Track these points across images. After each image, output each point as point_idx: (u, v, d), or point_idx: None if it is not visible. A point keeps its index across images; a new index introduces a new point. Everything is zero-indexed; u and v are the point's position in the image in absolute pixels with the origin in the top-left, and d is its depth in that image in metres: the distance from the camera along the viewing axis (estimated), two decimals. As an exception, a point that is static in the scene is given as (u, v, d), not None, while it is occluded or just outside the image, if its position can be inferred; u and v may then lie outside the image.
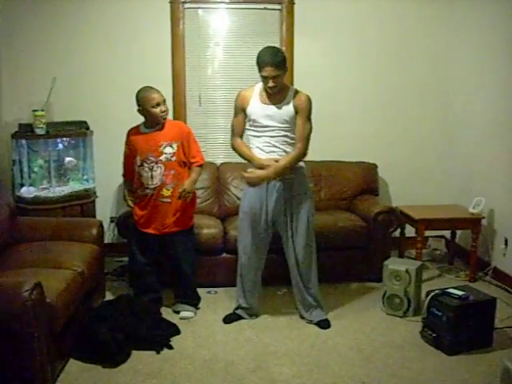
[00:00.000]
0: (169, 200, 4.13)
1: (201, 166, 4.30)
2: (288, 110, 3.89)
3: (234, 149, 4.07)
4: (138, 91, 4.09)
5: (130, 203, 4.25)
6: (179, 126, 4.35)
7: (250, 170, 3.92)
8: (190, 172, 4.23)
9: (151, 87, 4.09)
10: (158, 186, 4.09)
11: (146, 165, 4.08)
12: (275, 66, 3.75)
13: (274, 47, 3.96)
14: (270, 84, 3.79)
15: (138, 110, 4.08)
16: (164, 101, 4.11)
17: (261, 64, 3.79)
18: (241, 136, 4.06)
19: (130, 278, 4.64)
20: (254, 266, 4.12)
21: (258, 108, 3.92)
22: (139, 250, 4.27)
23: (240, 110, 4.01)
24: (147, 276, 4.32)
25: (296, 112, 3.89)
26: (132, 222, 4.29)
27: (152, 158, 4.07)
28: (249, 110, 3.96)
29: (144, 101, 4.04)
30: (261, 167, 3.86)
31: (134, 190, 4.24)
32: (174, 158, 4.11)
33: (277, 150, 3.92)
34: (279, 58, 3.78)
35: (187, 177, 4.19)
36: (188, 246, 4.30)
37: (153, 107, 4.02)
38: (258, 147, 3.96)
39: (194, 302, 4.38)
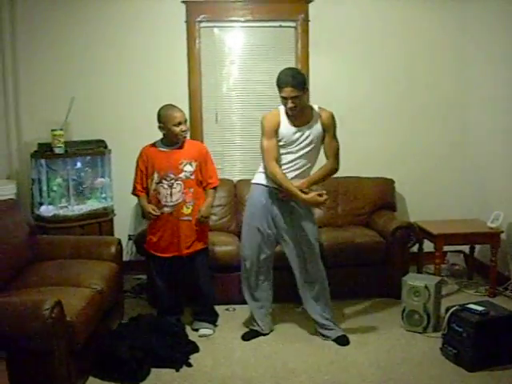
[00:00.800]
0: (189, 218, 4.14)
1: (215, 188, 4.33)
2: (317, 129, 3.92)
3: (274, 176, 3.92)
4: (161, 108, 4.13)
5: (152, 211, 4.11)
6: (198, 146, 4.39)
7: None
8: (206, 195, 4.25)
9: (174, 105, 4.13)
10: (179, 203, 4.10)
11: (165, 182, 4.09)
12: (294, 87, 3.74)
13: (294, 68, 4.00)
14: (290, 105, 3.79)
15: (159, 127, 4.11)
16: (186, 120, 4.15)
17: (280, 85, 3.80)
18: (277, 160, 3.97)
19: (152, 298, 4.65)
20: (264, 278, 4.15)
21: (289, 130, 3.91)
22: (158, 275, 4.28)
23: (273, 133, 3.93)
24: (169, 298, 4.32)
25: (323, 130, 3.93)
26: (146, 248, 4.29)
27: (172, 175, 4.09)
28: (281, 133, 3.93)
29: (166, 119, 4.07)
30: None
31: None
32: (193, 177, 4.14)
33: (298, 170, 3.95)
34: (299, 79, 3.78)
35: (203, 196, 4.21)
36: (206, 264, 4.32)
37: (174, 125, 4.05)
38: (288, 172, 3.96)
39: (213, 319, 4.38)
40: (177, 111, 4.10)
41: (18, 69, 5.30)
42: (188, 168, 4.13)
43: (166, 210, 4.12)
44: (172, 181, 4.10)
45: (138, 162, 4.23)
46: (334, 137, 3.97)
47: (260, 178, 4.05)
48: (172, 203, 4.10)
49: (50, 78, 5.36)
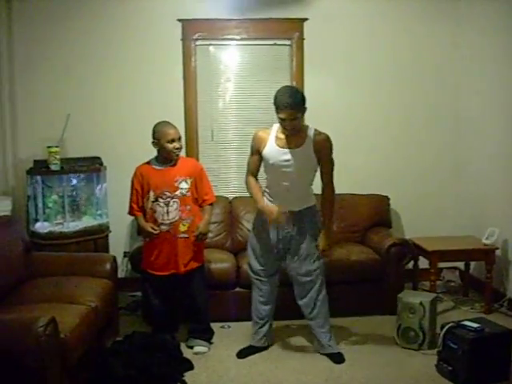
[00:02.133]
0: (186, 235, 4.13)
1: (212, 204, 4.34)
2: (307, 154, 3.82)
3: (247, 186, 4.07)
4: (156, 124, 4.14)
5: (152, 230, 4.08)
6: (192, 163, 4.42)
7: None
8: (203, 212, 4.26)
9: (169, 122, 4.15)
10: (176, 221, 4.09)
11: (161, 200, 4.09)
12: (294, 109, 3.66)
13: (293, 87, 3.95)
14: (288, 127, 3.74)
15: (153, 143, 4.12)
16: (179, 138, 4.15)
17: (278, 105, 3.69)
18: (256, 175, 4.04)
19: (147, 317, 4.65)
20: (268, 296, 4.12)
21: (275, 153, 3.85)
22: (154, 293, 4.27)
23: (256, 151, 3.95)
24: (164, 316, 4.31)
25: (316, 154, 3.83)
26: (143, 267, 4.28)
27: (168, 193, 4.09)
28: (265, 154, 3.89)
29: (160, 135, 4.08)
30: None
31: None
32: (189, 194, 4.14)
33: (290, 195, 3.90)
34: (298, 100, 3.70)
35: (199, 214, 4.21)
36: (202, 282, 4.31)
37: (168, 142, 4.06)
38: (272, 187, 3.97)
39: (208, 336, 4.36)
40: (171, 128, 4.10)
41: (14, 86, 5.32)
42: (183, 185, 4.13)
43: (163, 227, 4.10)
44: (168, 199, 4.09)
45: (132, 181, 4.22)
46: (330, 160, 3.90)
47: (264, 199, 4.02)
48: (169, 221, 4.10)
49: (46, 95, 5.38)
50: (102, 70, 5.43)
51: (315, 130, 3.90)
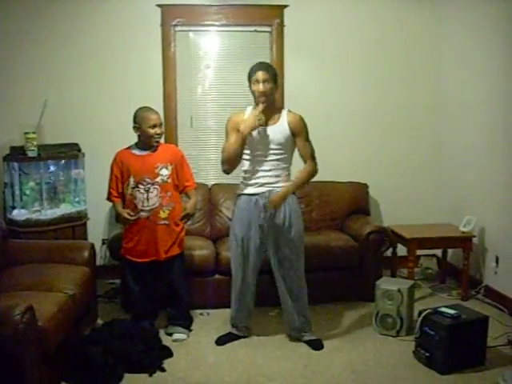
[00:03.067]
0: (166, 222, 4.12)
1: (195, 189, 4.35)
2: (282, 130, 3.87)
3: (222, 153, 3.99)
4: (138, 109, 4.13)
5: (128, 216, 4.07)
6: (173, 149, 4.40)
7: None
8: (190, 196, 4.28)
9: (151, 108, 4.15)
10: (156, 207, 4.08)
11: (141, 186, 4.07)
12: (266, 70, 3.84)
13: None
14: (261, 88, 3.80)
15: (134, 127, 4.10)
16: (161, 124, 4.15)
17: (251, 73, 3.86)
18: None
19: (125, 304, 4.63)
20: (247, 285, 4.09)
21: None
22: (134, 280, 4.25)
23: (233, 132, 3.93)
24: (144, 303, 4.29)
25: (292, 134, 3.88)
26: (123, 253, 4.24)
27: (148, 180, 4.07)
28: None
29: (142, 120, 4.07)
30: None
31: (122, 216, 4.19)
32: (169, 180, 4.13)
33: (270, 174, 3.90)
34: (270, 68, 3.93)
35: (179, 201, 4.20)
36: (182, 269, 4.30)
37: (149, 127, 4.05)
38: (250, 171, 3.94)
39: (187, 323, 4.37)
40: (153, 113, 4.11)
41: (-10, 71, 5.24)
42: (164, 172, 4.12)
43: (143, 214, 4.09)
44: (148, 185, 4.08)
45: (112, 167, 4.19)
46: (307, 140, 3.95)
47: (241, 188, 4.01)
48: (149, 207, 4.08)
49: (22, 81, 5.30)
50: (80, 55, 5.37)
51: (289, 110, 4.00)
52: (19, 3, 5.23)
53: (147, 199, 4.08)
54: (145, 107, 4.15)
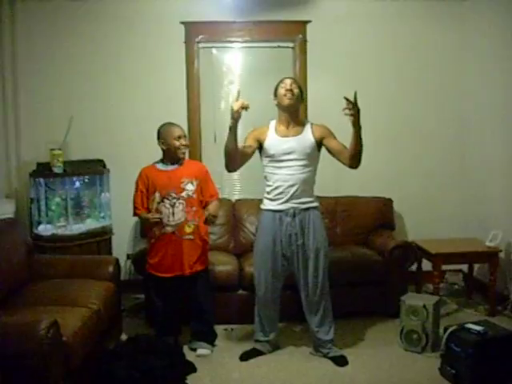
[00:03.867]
0: (192, 237, 4.12)
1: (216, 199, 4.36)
2: (309, 139, 3.90)
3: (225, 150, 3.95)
4: (161, 126, 4.18)
5: (155, 217, 4.04)
6: (198, 165, 4.44)
7: None
8: (211, 202, 4.27)
9: (173, 123, 4.20)
10: (181, 222, 4.09)
11: (167, 201, 4.09)
12: (294, 81, 3.95)
13: None
14: (288, 95, 3.86)
15: (161, 143, 4.14)
16: (185, 136, 4.21)
17: (279, 83, 3.97)
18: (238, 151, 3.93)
19: (149, 319, 4.64)
20: (270, 300, 4.08)
21: (277, 141, 3.92)
22: (158, 295, 4.25)
23: (252, 138, 4.01)
24: (167, 318, 4.29)
25: (318, 144, 3.92)
26: (148, 269, 4.25)
27: (174, 194, 4.09)
28: (266, 145, 3.94)
29: (166, 133, 4.11)
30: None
31: (151, 226, 4.18)
32: (195, 195, 4.15)
33: (294, 189, 3.88)
34: (298, 82, 4.04)
35: (203, 216, 4.18)
36: (207, 284, 4.31)
37: (175, 139, 4.09)
38: (273, 186, 3.94)
39: (211, 339, 4.35)
40: (176, 126, 4.17)
41: (17, 88, 5.33)
42: (189, 187, 4.14)
43: (168, 229, 4.09)
44: (174, 200, 4.09)
45: (137, 182, 4.21)
46: (335, 139, 3.96)
47: (266, 204, 4.02)
48: (174, 222, 4.09)
49: (49, 98, 5.39)
50: (105, 72, 5.45)
51: (312, 123, 4.04)
52: (45, 21, 5.34)
53: (173, 214, 4.09)
54: (167, 122, 4.20)
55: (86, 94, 5.44)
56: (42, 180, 4.90)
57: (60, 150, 4.92)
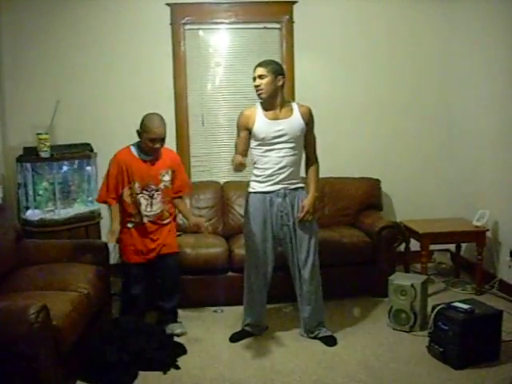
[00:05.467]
0: (169, 220, 4.26)
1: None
2: (299, 123, 3.88)
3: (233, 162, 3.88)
4: (146, 115, 4.09)
5: (114, 234, 4.12)
6: (172, 154, 4.39)
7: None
8: (179, 204, 4.36)
9: (159, 120, 4.06)
10: (158, 213, 4.18)
11: (146, 192, 4.13)
12: (263, 67, 3.85)
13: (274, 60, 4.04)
14: (256, 82, 3.85)
15: (137, 131, 4.10)
16: (162, 139, 4.08)
17: (253, 72, 3.92)
18: (244, 155, 3.89)
19: (123, 308, 4.56)
20: (261, 282, 4.09)
21: (266, 125, 3.86)
22: (136, 282, 4.26)
23: (243, 129, 3.92)
24: (142, 304, 4.34)
25: (306, 126, 3.90)
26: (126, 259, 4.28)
27: (153, 186, 4.14)
28: (256, 129, 3.88)
29: (144, 129, 4.04)
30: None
31: (126, 215, 4.20)
32: (171, 186, 4.23)
33: (285, 170, 3.89)
34: (269, 63, 3.89)
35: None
36: (175, 266, 4.36)
37: (148, 140, 4.02)
38: (263, 168, 3.93)
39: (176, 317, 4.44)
40: (157, 127, 4.02)
41: (2, 73, 5.28)
42: (166, 177, 4.20)
43: (145, 219, 4.16)
44: (153, 192, 4.15)
45: (111, 168, 4.15)
46: (313, 133, 4.00)
47: (254, 186, 4.00)
48: (153, 213, 4.16)
49: (34, 82, 5.34)
50: (90, 55, 5.40)
51: (297, 103, 4.01)
52: (30, 5, 5.27)
53: (151, 205, 4.15)
54: (153, 117, 4.07)
55: (73, 78, 5.39)
56: (28, 165, 4.87)
57: (47, 134, 4.87)
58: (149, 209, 4.14)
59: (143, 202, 4.13)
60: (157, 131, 4.01)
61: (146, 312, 4.43)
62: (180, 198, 4.37)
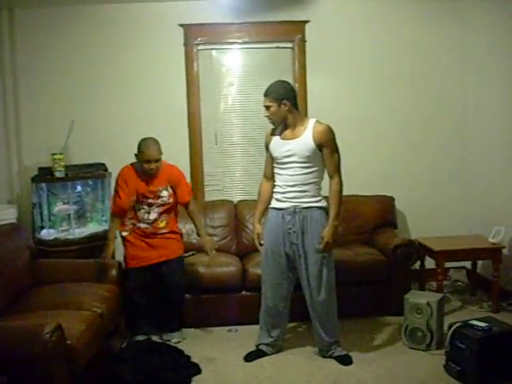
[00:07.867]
0: (165, 230, 4.37)
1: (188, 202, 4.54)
2: (307, 142, 3.84)
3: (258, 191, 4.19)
4: (141, 140, 4.29)
5: (109, 254, 4.37)
6: (171, 170, 4.48)
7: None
8: (192, 210, 4.52)
9: (152, 142, 4.27)
10: (155, 219, 4.35)
11: (145, 205, 4.33)
12: (267, 96, 3.88)
13: (281, 81, 4.02)
14: (266, 113, 3.92)
15: (135, 154, 4.30)
16: (157, 160, 4.26)
17: None
18: (270, 175, 4.09)
19: (129, 321, 4.57)
20: (276, 298, 4.06)
21: (279, 144, 3.94)
22: (136, 287, 4.37)
23: (266, 148, 4.09)
24: (148, 317, 4.45)
25: (319, 147, 3.84)
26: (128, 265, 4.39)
27: (151, 201, 4.33)
28: (270, 148, 4.01)
29: (140, 151, 4.26)
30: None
31: (128, 220, 4.39)
32: (170, 200, 4.39)
33: (295, 189, 3.89)
34: (274, 90, 3.89)
35: (175, 209, 4.47)
36: (180, 273, 4.46)
37: (143, 162, 4.24)
38: (278, 185, 3.98)
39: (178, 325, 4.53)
40: (151, 150, 4.23)
41: (18, 93, 5.35)
42: (164, 193, 4.37)
43: (143, 225, 4.35)
44: (152, 206, 4.34)
45: (119, 181, 4.37)
46: (334, 151, 3.90)
47: (272, 202, 4.06)
48: (149, 221, 4.34)
49: (50, 102, 5.40)
50: (104, 76, 5.45)
51: (317, 121, 3.95)
52: (45, 26, 5.35)
53: (148, 213, 4.35)
54: (148, 141, 4.27)
55: (87, 99, 5.44)
56: (43, 185, 4.91)
57: (61, 154, 4.92)
58: (146, 217, 4.33)
59: (142, 212, 4.34)
60: (151, 153, 4.23)
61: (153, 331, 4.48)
62: (188, 207, 4.49)
